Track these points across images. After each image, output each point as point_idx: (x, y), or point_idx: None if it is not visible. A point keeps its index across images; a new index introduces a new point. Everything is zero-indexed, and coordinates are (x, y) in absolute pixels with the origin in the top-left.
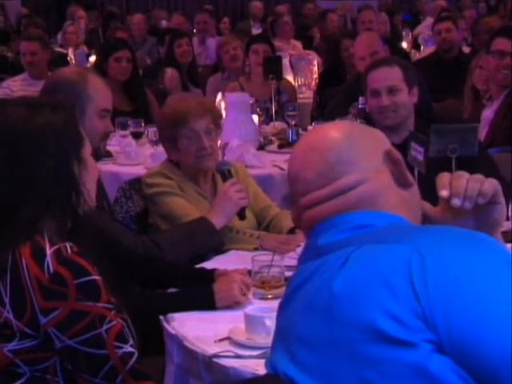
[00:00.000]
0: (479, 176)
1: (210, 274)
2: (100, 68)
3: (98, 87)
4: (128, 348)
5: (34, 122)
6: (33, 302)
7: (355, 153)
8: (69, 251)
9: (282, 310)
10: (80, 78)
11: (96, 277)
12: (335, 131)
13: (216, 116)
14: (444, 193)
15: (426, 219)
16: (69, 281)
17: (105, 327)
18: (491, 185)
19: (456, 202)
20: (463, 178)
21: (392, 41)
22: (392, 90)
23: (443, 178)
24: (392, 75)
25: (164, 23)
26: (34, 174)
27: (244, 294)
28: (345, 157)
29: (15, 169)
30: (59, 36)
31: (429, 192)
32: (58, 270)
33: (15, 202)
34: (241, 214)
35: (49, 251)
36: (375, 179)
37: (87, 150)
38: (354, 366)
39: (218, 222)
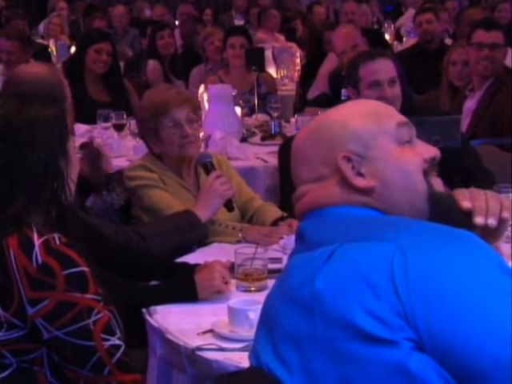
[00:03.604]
0: (496, 194)
1: (193, 269)
2: (79, 59)
3: None
4: (115, 340)
5: (25, 115)
6: (20, 293)
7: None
8: (57, 242)
9: (269, 298)
10: None
11: (85, 268)
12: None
13: (195, 106)
14: (467, 204)
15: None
16: (57, 271)
17: (92, 319)
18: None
19: (480, 220)
20: (482, 197)
21: (375, 32)
22: (392, 82)
23: (461, 194)
24: (390, 67)
25: (148, 12)
26: (23, 167)
27: (226, 283)
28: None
29: (5, 161)
30: (41, 27)
31: None
32: (47, 261)
33: (4, 193)
34: (228, 206)
35: (37, 242)
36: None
37: (72, 144)
38: (334, 362)
39: (203, 214)
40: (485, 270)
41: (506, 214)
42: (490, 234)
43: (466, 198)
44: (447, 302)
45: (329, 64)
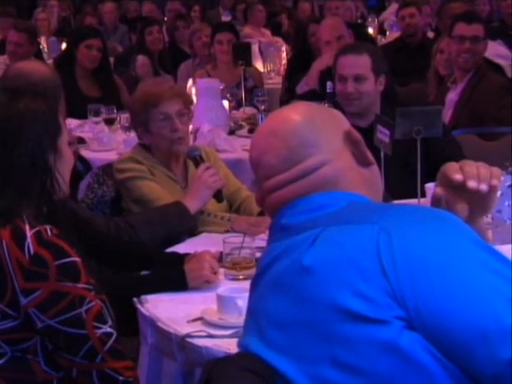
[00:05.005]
0: (485, 164)
1: (183, 259)
2: (70, 54)
3: None
4: (107, 328)
5: (14, 108)
6: (14, 284)
7: (316, 135)
8: (49, 233)
9: (252, 290)
10: None
11: (76, 258)
12: (296, 114)
13: (187, 100)
14: (458, 176)
15: (439, 202)
16: (49, 262)
17: (84, 307)
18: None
19: (473, 183)
20: (473, 165)
21: (359, 26)
22: (358, 79)
23: (451, 165)
24: (360, 63)
25: None
26: (10, 160)
27: (215, 273)
28: (307, 140)
29: None
30: None
31: (394, 173)
32: (39, 252)
33: None
34: (218, 197)
35: (29, 234)
36: (336, 160)
37: (63, 139)
38: (324, 344)
39: (192, 205)
40: (464, 246)
41: (495, 182)
42: (479, 205)
43: (456, 171)
44: (432, 279)
45: (322, 62)
